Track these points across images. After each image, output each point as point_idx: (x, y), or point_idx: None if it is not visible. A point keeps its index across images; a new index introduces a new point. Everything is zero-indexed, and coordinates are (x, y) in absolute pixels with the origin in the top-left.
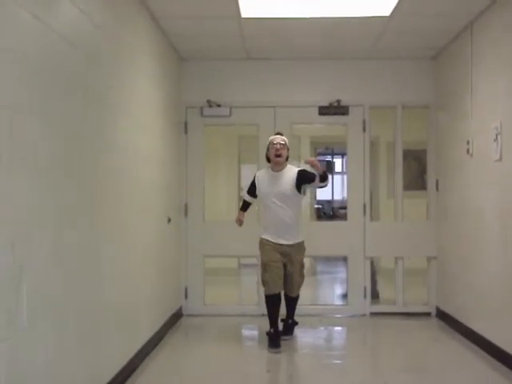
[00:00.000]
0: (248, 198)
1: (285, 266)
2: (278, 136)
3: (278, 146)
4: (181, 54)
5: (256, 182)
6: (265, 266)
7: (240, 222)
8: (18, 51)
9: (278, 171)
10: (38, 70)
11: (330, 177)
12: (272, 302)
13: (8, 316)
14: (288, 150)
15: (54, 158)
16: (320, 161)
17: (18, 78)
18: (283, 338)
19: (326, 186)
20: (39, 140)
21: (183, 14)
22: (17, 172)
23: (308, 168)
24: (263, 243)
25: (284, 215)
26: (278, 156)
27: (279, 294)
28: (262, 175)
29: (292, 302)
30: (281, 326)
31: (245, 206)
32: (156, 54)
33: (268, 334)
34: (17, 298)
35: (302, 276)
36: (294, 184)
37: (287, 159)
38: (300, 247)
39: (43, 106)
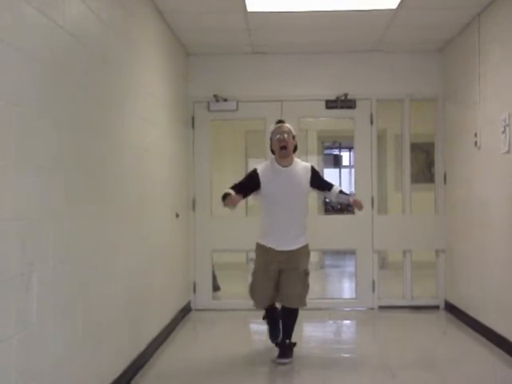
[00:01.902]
0: (238, 194)
1: (281, 272)
2: (281, 125)
3: (282, 136)
4: (187, 49)
5: (261, 178)
6: (254, 275)
7: (234, 201)
8: (26, 48)
9: (285, 166)
10: (46, 67)
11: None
12: (269, 314)
13: (17, 312)
14: (294, 138)
15: (62, 155)
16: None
17: (26, 74)
18: (280, 361)
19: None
20: (48, 137)
21: (189, 9)
22: (26, 170)
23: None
24: (259, 250)
25: (292, 218)
26: (284, 148)
27: (271, 306)
28: (268, 171)
29: (290, 317)
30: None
31: (229, 192)
32: (163, 49)
33: (277, 345)
34: (26, 295)
35: (305, 286)
36: (309, 182)
37: (295, 150)
38: (304, 252)
39: (51, 103)
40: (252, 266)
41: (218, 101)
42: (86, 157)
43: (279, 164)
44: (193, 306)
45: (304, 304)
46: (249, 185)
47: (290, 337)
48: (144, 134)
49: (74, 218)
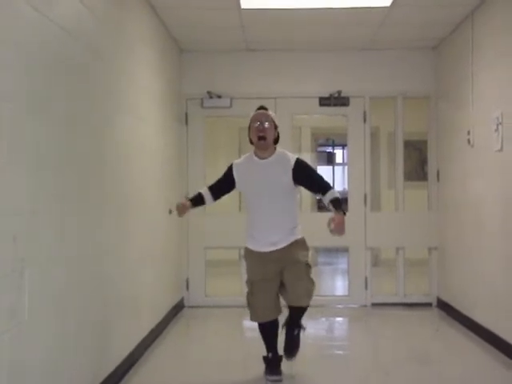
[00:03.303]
0: (207, 194)
1: (282, 271)
2: (262, 111)
3: (262, 125)
4: (181, 46)
5: (235, 174)
6: (250, 286)
7: (183, 209)
8: (18, 43)
9: (264, 158)
10: (38, 62)
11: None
12: (264, 328)
13: (9, 308)
14: (276, 128)
15: (54, 150)
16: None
17: (18, 70)
18: (270, 378)
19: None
20: (40, 133)
21: (183, 5)
22: (17, 165)
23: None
24: (248, 256)
25: (274, 217)
26: (262, 138)
27: (273, 321)
28: (243, 165)
29: (299, 313)
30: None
31: (197, 197)
32: (156, 46)
33: (265, 359)
34: (18, 291)
35: (309, 281)
36: (290, 176)
37: (276, 142)
38: (299, 245)
39: (43, 99)
40: (244, 263)
41: (211, 97)
42: (78, 153)
43: (257, 156)
44: (186, 303)
45: (311, 300)
46: (223, 183)
47: (297, 323)
48: (137, 131)
49: (66, 215)
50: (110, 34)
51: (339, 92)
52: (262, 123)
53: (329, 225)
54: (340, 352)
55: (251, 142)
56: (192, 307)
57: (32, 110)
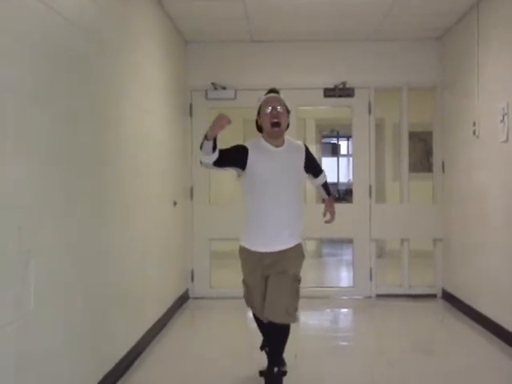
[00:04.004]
0: (215, 153)
1: (267, 279)
2: (273, 95)
3: (275, 110)
4: (185, 37)
5: (250, 157)
6: (246, 287)
7: (224, 119)
8: (22, 34)
9: (278, 146)
10: (41, 53)
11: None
12: (259, 321)
13: (15, 299)
14: (289, 113)
15: (58, 142)
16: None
17: (22, 61)
18: None
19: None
20: (42, 123)
21: None
22: (23, 157)
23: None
24: (242, 255)
25: (285, 210)
26: (276, 125)
27: None
28: (256, 148)
29: (277, 336)
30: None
31: (215, 143)
32: (160, 37)
33: (263, 349)
34: (23, 281)
35: (294, 296)
36: (303, 165)
37: (287, 128)
38: (295, 253)
39: (47, 90)
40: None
41: (216, 89)
42: (81, 144)
43: (269, 143)
44: (191, 294)
45: (293, 319)
46: (234, 157)
47: (277, 363)
48: (142, 122)
49: (72, 206)
50: (114, 25)
51: (344, 83)
52: (275, 108)
53: (325, 215)
54: (345, 343)
55: (259, 130)
56: (197, 298)
57: (35, 101)
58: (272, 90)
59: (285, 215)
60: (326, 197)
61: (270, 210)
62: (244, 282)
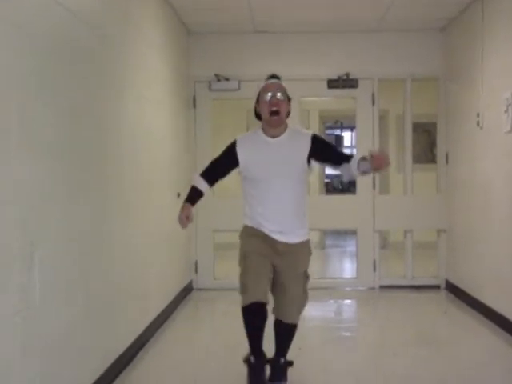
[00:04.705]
0: (202, 184)
1: (276, 272)
2: (274, 80)
3: (274, 97)
4: (189, 28)
5: (239, 153)
6: (244, 260)
7: (185, 221)
8: (24, 26)
9: (275, 137)
10: (43, 44)
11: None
12: (250, 317)
13: (20, 290)
14: (289, 101)
15: (61, 135)
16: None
17: (24, 53)
18: None
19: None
20: (46, 119)
21: None
22: (27, 152)
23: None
24: (247, 232)
25: (286, 203)
26: (275, 113)
27: (262, 306)
28: (249, 143)
29: (286, 333)
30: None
31: (194, 195)
32: (164, 28)
33: (246, 362)
34: (28, 273)
35: (304, 292)
36: (306, 155)
37: (288, 116)
38: (305, 249)
39: (50, 84)
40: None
41: (219, 80)
42: (84, 137)
43: (266, 134)
44: (194, 286)
45: (300, 316)
46: (222, 165)
47: (284, 353)
48: (144, 114)
49: (76, 198)
50: (117, 17)
51: (347, 74)
52: (274, 95)
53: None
54: (348, 334)
55: (258, 118)
56: (200, 290)
57: (38, 96)
58: (273, 76)
59: (283, 211)
60: (369, 163)
61: (270, 203)
62: (241, 256)
